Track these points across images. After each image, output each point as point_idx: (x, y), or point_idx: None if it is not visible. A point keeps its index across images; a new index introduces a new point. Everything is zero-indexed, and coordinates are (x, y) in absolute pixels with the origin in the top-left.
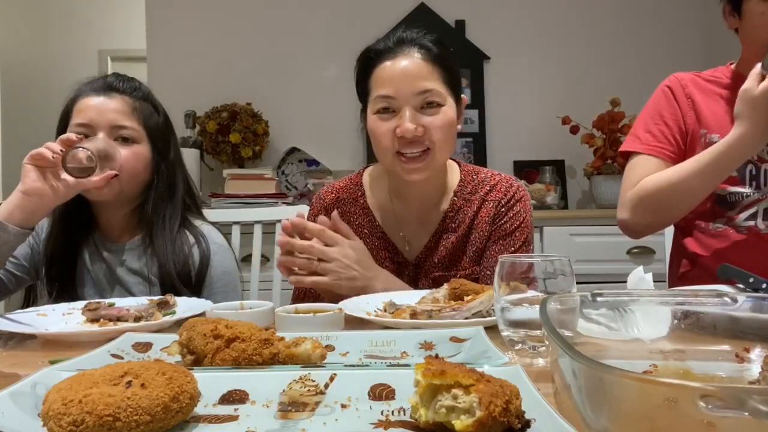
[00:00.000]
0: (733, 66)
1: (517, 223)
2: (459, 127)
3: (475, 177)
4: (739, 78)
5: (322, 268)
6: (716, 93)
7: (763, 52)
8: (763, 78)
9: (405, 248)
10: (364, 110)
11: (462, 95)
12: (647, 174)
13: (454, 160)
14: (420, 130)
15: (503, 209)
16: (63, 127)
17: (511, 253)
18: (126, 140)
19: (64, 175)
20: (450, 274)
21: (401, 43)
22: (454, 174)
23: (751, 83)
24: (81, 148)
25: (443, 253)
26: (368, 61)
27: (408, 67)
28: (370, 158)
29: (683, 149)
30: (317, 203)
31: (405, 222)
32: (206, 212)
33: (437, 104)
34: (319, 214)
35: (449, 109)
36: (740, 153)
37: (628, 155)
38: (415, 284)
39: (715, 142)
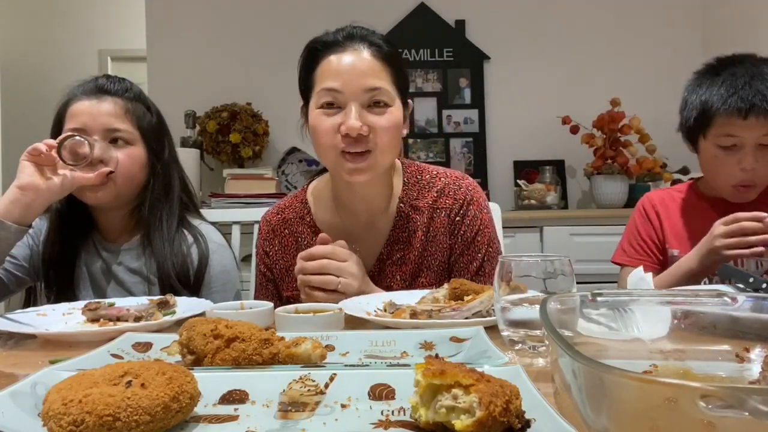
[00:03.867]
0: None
1: (476, 227)
2: (405, 131)
3: (420, 178)
4: (694, 193)
5: (342, 285)
6: (678, 208)
7: (718, 189)
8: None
9: None
10: (305, 106)
11: (409, 100)
12: None
13: (398, 159)
14: (365, 129)
15: (457, 218)
16: (57, 131)
17: (480, 258)
18: (120, 143)
19: (61, 171)
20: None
21: (351, 37)
22: (398, 176)
23: (721, 230)
24: (76, 136)
25: (403, 268)
26: (314, 53)
27: (357, 62)
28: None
29: (661, 258)
30: (264, 227)
31: (354, 235)
32: (206, 212)
33: (384, 104)
34: (268, 237)
35: (396, 110)
36: (685, 280)
37: (620, 264)
38: None
39: (675, 255)
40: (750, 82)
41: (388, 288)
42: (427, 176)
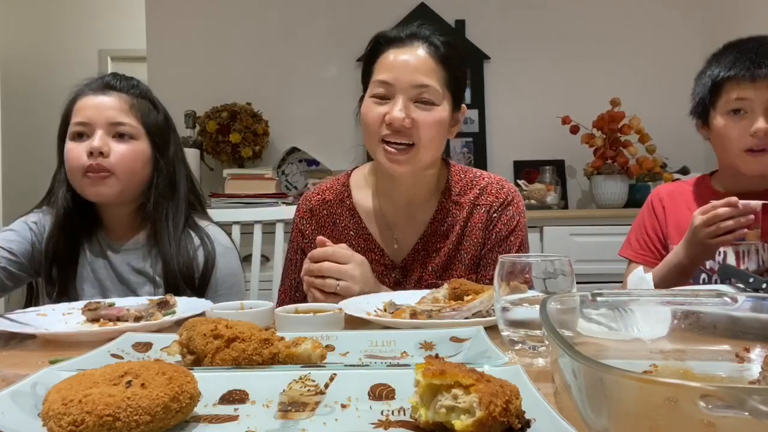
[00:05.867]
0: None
1: (511, 227)
2: (453, 134)
3: (463, 177)
4: (705, 187)
5: (341, 288)
6: (686, 203)
7: (730, 161)
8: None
9: (394, 247)
10: (363, 95)
11: (463, 104)
12: None
13: (443, 158)
14: (408, 121)
15: (495, 214)
16: (64, 128)
17: None
18: (123, 137)
19: None
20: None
21: (413, 36)
22: (442, 173)
23: (699, 219)
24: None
25: (436, 260)
26: (377, 47)
27: (411, 59)
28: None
29: (664, 254)
30: (303, 205)
31: (392, 223)
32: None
33: (432, 102)
34: (305, 216)
35: (443, 110)
36: (676, 274)
37: (625, 258)
38: (401, 288)
39: None
40: (759, 49)
41: (420, 278)
42: (470, 175)
